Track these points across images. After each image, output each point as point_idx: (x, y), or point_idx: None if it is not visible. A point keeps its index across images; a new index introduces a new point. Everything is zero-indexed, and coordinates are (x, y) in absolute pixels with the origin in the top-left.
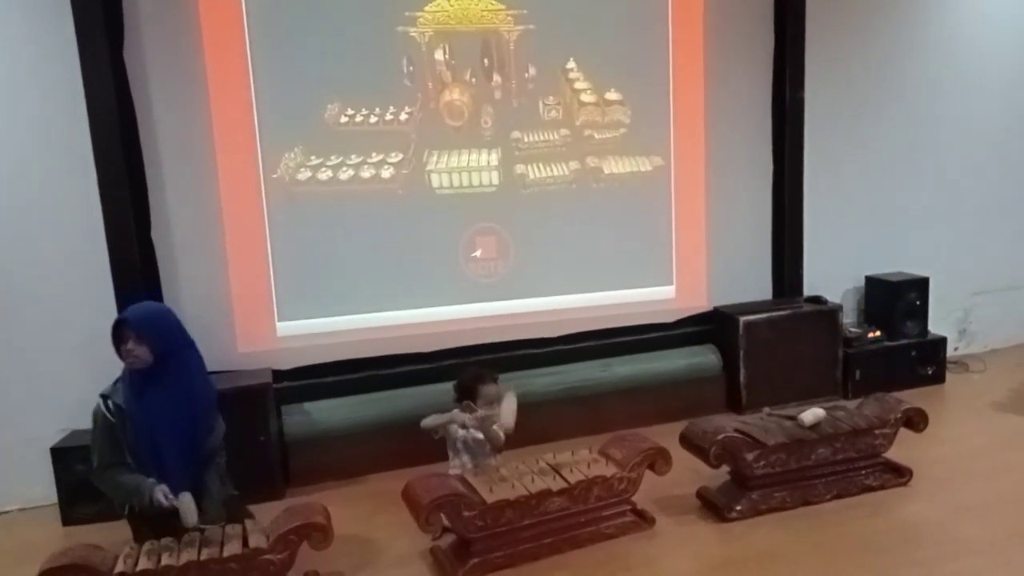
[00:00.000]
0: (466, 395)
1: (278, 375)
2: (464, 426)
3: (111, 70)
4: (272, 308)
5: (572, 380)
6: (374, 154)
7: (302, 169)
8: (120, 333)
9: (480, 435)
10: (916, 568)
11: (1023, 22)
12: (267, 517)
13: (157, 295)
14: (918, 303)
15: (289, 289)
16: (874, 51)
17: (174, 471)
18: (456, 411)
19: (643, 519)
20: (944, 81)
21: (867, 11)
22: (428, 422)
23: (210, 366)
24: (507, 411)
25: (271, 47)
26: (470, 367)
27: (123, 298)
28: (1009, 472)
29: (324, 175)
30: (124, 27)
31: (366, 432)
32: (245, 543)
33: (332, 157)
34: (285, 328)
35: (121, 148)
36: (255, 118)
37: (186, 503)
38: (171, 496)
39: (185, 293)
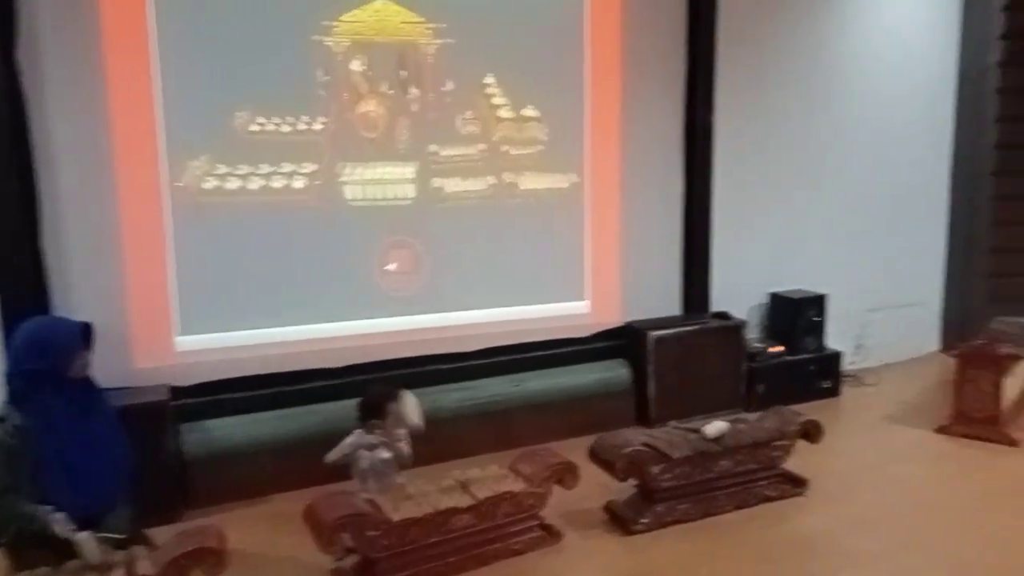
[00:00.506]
0: (373, 414)
1: (178, 391)
2: (371, 447)
3: (2, 70)
4: (173, 321)
5: (484, 396)
6: (285, 164)
7: (209, 178)
8: (87, 339)
9: (388, 454)
10: None
11: (926, 51)
12: (164, 540)
13: (46, 307)
14: (817, 319)
15: (192, 302)
16: (782, 77)
17: (89, 494)
18: (358, 433)
19: (551, 534)
20: (847, 108)
21: (777, 38)
22: (333, 456)
23: (104, 382)
24: (411, 411)
25: (178, 50)
26: (374, 386)
27: (9, 311)
28: (898, 484)
29: (232, 184)
30: (18, 25)
31: (270, 450)
32: (131, 571)
33: (241, 166)
34: (187, 342)
35: (10, 152)
36: (160, 123)
37: (87, 542)
38: (70, 529)
39: (77, 305)
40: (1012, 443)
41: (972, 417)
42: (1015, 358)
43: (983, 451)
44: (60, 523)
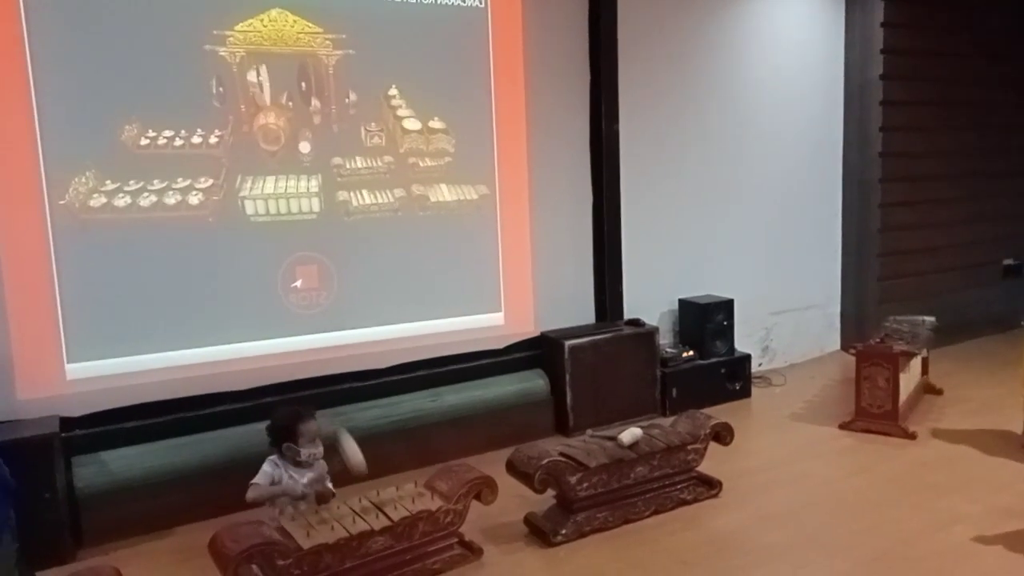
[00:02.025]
0: (285, 437)
1: (68, 423)
2: (300, 496)
3: None
4: (60, 349)
5: (400, 412)
6: (180, 179)
7: (95, 195)
8: None
9: (311, 498)
10: None
11: (817, 63)
12: None
13: None
14: (725, 323)
15: (81, 327)
16: (684, 87)
17: None
18: (285, 480)
19: (471, 551)
20: (746, 118)
21: (677, 48)
22: (254, 495)
23: None
24: (352, 451)
25: (57, 60)
26: (282, 407)
27: None
28: (806, 479)
29: (122, 201)
30: None
31: (173, 480)
32: None
33: (131, 182)
34: (76, 370)
35: None
36: (38, 138)
37: None
38: None
39: None
40: (909, 436)
41: (872, 413)
42: (909, 355)
43: (883, 445)
44: None
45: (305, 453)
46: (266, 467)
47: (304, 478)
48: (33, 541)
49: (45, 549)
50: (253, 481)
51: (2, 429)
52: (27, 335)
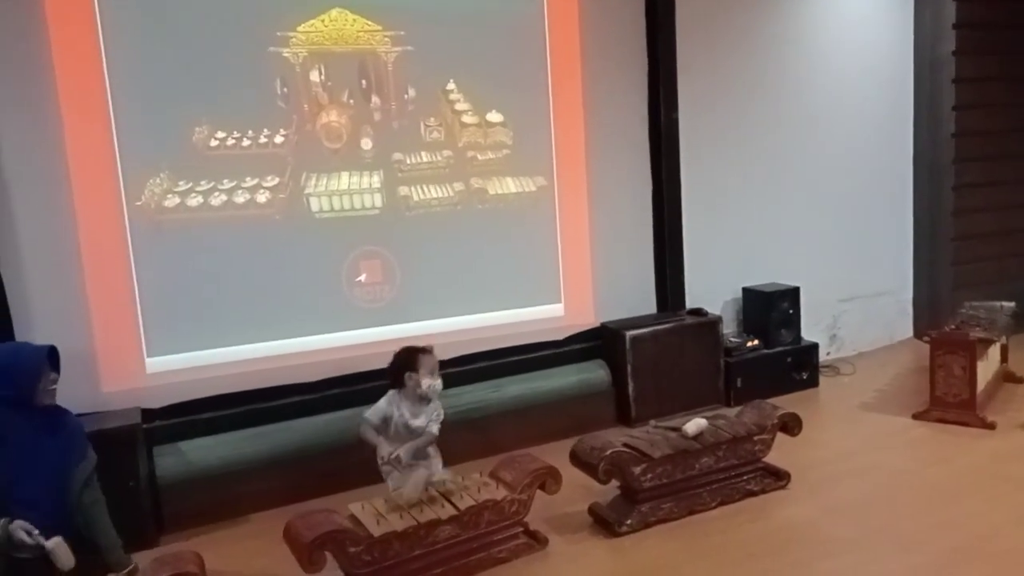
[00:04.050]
0: (406, 366)
1: (149, 414)
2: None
3: None
4: (140, 343)
5: (463, 403)
6: (248, 178)
7: (169, 195)
8: (55, 364)
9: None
10: (795, 569)
11: (883, 41)
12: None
13: (8, 333)
14: (791, 312)
15: (159, 323)
16: (745, 72)
17: (43, 504)
18: (396, 417)
19: (536, 540)
20: (811, 101)
21: (737, 34)
22: (363, 434)
23: (70, 408)
24: (414, 483)
25: (131, 66)
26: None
27: None
28: (876, 471)
29: (194, 201)
30: None
31: (247, 469)
32: None
33: (202, 182)
34: (156, 364)
35: None
36: (115, 142)
37: (60, 547)
38: (36, 534)
39: (40, 330)
40: (987, 426)
41: (947, 402)
42: (987, 342)
43: (959, 435)
44: (23, 528)
45: (425, 383)
46: (381, 402)
47: (418, 418)
48: (119, 528)
49: (130, 536)
50: (365, 415)
51: (88, 420)
52: (109, 331)
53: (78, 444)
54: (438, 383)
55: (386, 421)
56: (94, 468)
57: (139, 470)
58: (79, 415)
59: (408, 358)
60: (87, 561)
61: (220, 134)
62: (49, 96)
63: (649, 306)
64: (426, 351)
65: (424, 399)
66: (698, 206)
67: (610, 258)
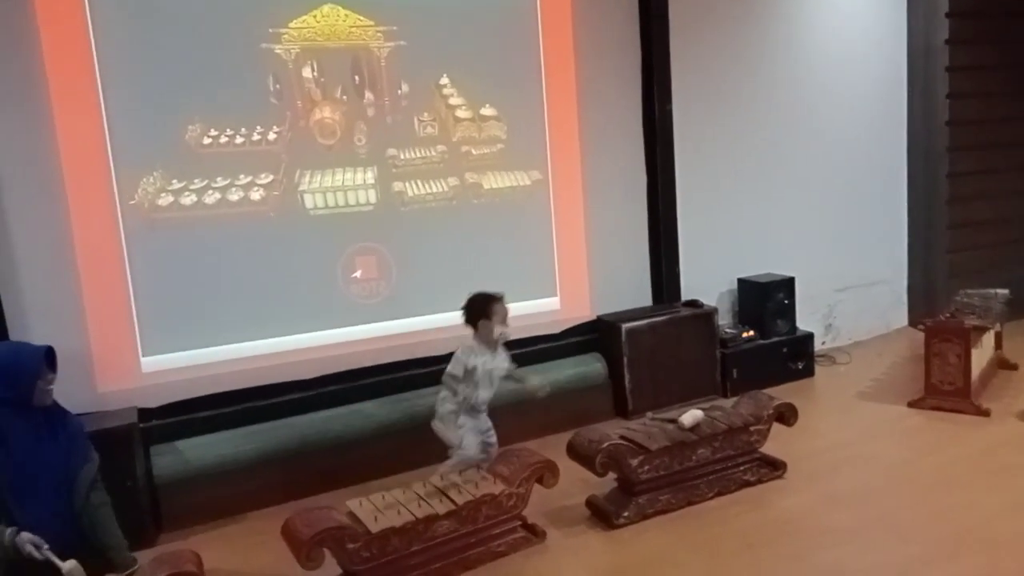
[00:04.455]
0: (480, 314)
1: (146, 413)
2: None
3: None
4: (136, 342)
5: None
6: (242, 176)
7: (163, 194)
8: (52, 364)
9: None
10: (793, 561)
11: (877, 30)
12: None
13: (2, 333)
14: (786, 302)
15: (154, 322)
16: (739, 63)
17: (47, 506)
18: (472, 362)
19: (534, 534)
20: (804, 90)
21: (731, 25)
22: (441, 411)
23: (69, 407)
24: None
25: (123, 64)
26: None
27: None
28: (874, 460)
29: (188, 199)
30: None
31: (244, 467)
32: None
33: (196, 180)
34: (151, 363)
35: None
36: (107, 141)
37: (76, 572)
38: (45, 549)
39: (34, 330)
40: (982, 413)
41: (943, 390)
42: (981, 329)
43: (955, 423)
44: (31, 542)
45: (498, 331)
46: (459, 354)
47: (494, 361)
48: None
49: (129, 535)
50: (449, 371)
51: (85, 420)
52: (104, 331)
53: (80, 445)
54: (508, 330)
55: (468, 372)
56: (98, 469)
57: (136, 470)
58: (75, 415)
59: (484, 305)
60: (88, 561)
61: (213, 132)
62: (41, 96)
63: (645, 298)
64: (498, 299)
65: (494, 345)
66: (693, 198)
67: (606, 251)
